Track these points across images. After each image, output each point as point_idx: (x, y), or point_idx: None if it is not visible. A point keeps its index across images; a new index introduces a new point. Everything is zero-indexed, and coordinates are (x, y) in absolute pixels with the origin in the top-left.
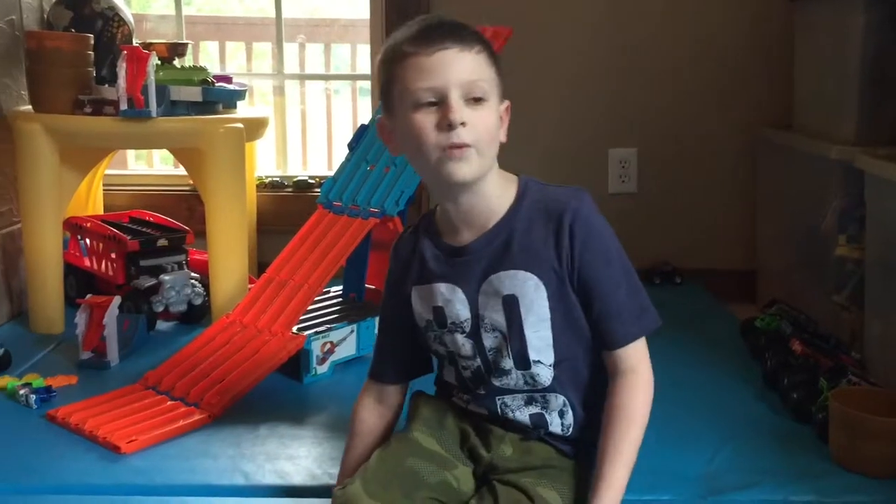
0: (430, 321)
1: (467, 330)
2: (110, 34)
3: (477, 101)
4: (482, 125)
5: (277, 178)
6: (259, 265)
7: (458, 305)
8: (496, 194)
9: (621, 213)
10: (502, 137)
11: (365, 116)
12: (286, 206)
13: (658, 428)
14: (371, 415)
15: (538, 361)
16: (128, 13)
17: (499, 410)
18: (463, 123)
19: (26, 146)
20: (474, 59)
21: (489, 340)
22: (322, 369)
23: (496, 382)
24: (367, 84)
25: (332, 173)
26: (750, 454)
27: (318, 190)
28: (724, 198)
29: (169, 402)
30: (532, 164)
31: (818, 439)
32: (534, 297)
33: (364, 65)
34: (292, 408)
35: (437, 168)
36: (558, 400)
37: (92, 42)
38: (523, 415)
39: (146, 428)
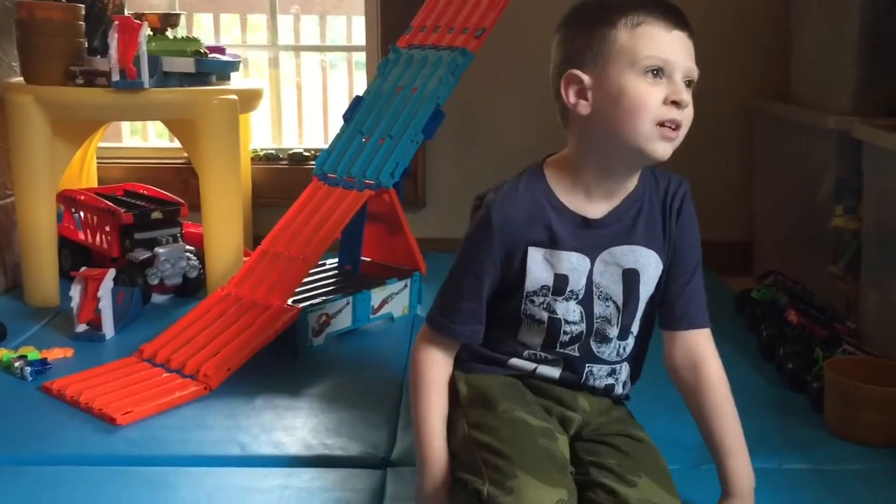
0: (546, 287)
1: (580, 297)
2: (102, 4)
3: (689, 85)
4: (690, 109)
5: (272, 151)
6: (254, 238)
7: (581, 275)
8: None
9: None
10: None
11: (360, 88)
12: (281, 179)
13: (654, 397)
14: (444, 367)
15: (632, 333)
16: None
17: (583, 377)
18: (688, 104)
19: (18, 118)
20: (693, 49)
21: (600, 308)
22: (318, 341)
23: (595, 349)
24: (362, 57)
25: (326, 146)
26: (745, 424)
27: (314, 162)
28: (720, 169)
29: (165, 375)
30: (527, 135)
31: (813, 409)
32: (652, 274)
33: (359, 37)
34: (288, 379)
35: (644, 141)
36: (625, 370)
37: (83, 12)
38: (601, 383)
39: (142, 400)
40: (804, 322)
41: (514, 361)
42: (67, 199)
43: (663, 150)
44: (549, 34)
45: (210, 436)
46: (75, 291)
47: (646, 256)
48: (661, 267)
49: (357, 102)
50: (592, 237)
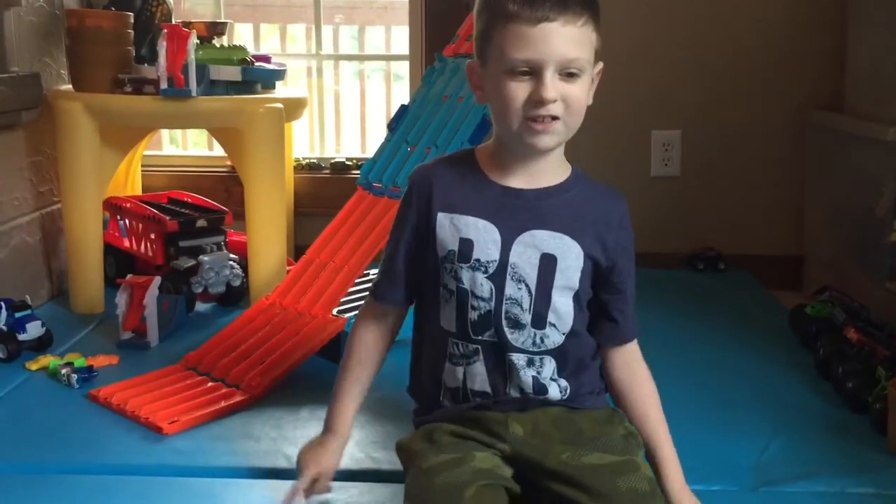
0: (452, 251)
1: (490, 271)
2: (150, 13)
3: (571, 76)
4: (573, 100)
5: (315, 160)
6: (296, 248)
7: (490, 245)
8: (558, 164)
9: (664, 197)
10: (588, 100)
11: (399, 98)
12: (323, 189)
13: (708, 417)
14: (372, 335)
15: (553, 325)
16: None
17: (506, 369)
18: (555, 101)
19: (67, 125)
20: (577, 33)
21: (511, 289)
22: None
23: (508, 335)
24: (401, 66)
25: (365, 155)
26: (803, 445)
27: (356, 172)
28: (771, 181)
29: (210, 383)
30: (572, 147)
31: (875, 430)
32: (572, 263)
33: (398, 46)
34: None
35: (520, 135)
36: (551, 365)
37: (132, 20)
38: (526, 376)
39: (188, 409)
40: (864, 340)
41: (448, 370)
42: (113, 207)
43: (542, 141)
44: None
45: (256, 447)
46: (121, 299)
47: (567, 244)
48: (581, 258)
49: (402, 111)
50: (511, 211)
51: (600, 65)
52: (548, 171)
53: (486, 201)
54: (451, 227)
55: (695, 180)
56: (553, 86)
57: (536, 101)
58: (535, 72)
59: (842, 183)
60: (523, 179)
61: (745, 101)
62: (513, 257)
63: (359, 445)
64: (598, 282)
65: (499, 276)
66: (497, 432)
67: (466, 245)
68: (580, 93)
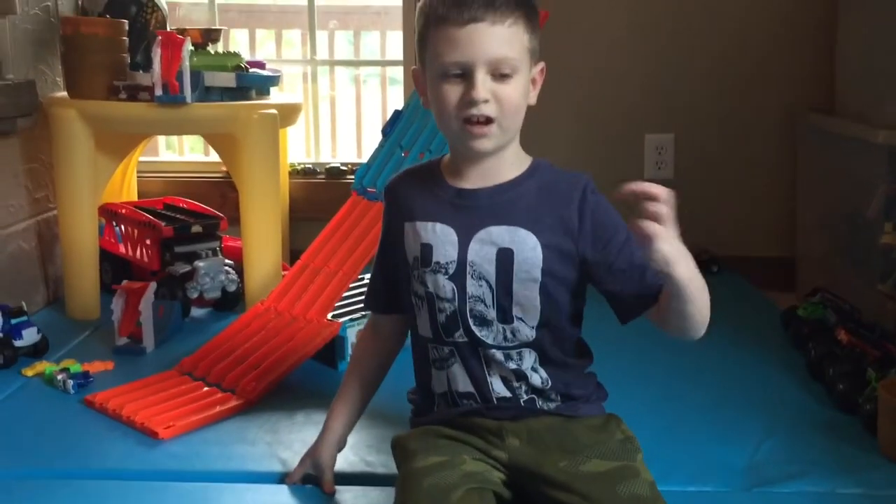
0: (416, 258)
1: (451, 272)
2: (144, 20)
3: (503, 76)
4: (506, 99)
5: (310, 165)
6: (291, 252)
7: (448, 246)
8: (512, 161)
9: None
10: (531, 101)
11: (395, 103)
12: (318, 194)
13: (701, 418)
14: (366, 343)
15: (521, 318)
16: None
17: (484, 366)
18: (486, 101)
19: (62, 132)
20: (506, 33)
21: (473, 287)
22: None
23: (477, 332)
24: (397, 71)
25: (361, 160)
26: (795, 445)
27: (351, 177)
28: (764, 184)
29: (205, 389)
30: (566, 151)
31: (865, 431)
32: (529, 255)
33: (394, 52)
34: (328, 395)
35: (457, 137)
36: (531, 357)
37: (127, 28)
38: (506, 366)
39: (183, 414)
40: (855, 342)
41: (434, 376)
42: (108, 213)
43: (480, 144)
44: (591, 48)
45: (251, 451)
46: (117, 304)
47: (522, 237)
48: (538, 249)
49: (396, 117)
50: (461, 208)
51: (541, 65)
52: (501, 169)
53: (442, 205)
54: (413, 234)
55: (688, 183)
56: (484, 86)
57: (468, 101)
58: (466, 73)
59: (833, 185)
60: (477, 179)
61: (736, 104)
62: (470, 255)
63: (353, 449)
64: (582, 270)
65: (459, 276)
66: (493, 441)
67: (426, 250)
68: (513, 93)
